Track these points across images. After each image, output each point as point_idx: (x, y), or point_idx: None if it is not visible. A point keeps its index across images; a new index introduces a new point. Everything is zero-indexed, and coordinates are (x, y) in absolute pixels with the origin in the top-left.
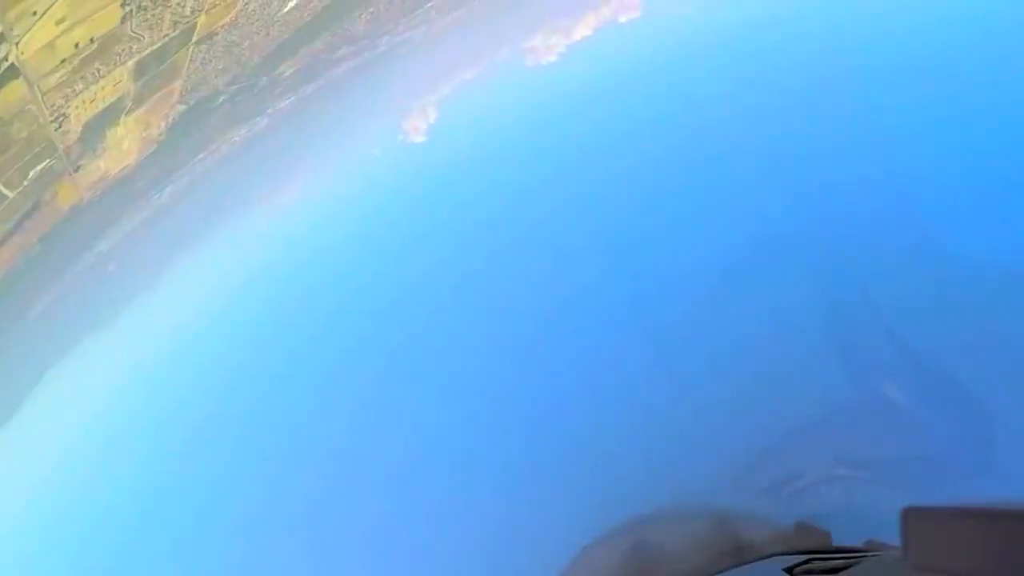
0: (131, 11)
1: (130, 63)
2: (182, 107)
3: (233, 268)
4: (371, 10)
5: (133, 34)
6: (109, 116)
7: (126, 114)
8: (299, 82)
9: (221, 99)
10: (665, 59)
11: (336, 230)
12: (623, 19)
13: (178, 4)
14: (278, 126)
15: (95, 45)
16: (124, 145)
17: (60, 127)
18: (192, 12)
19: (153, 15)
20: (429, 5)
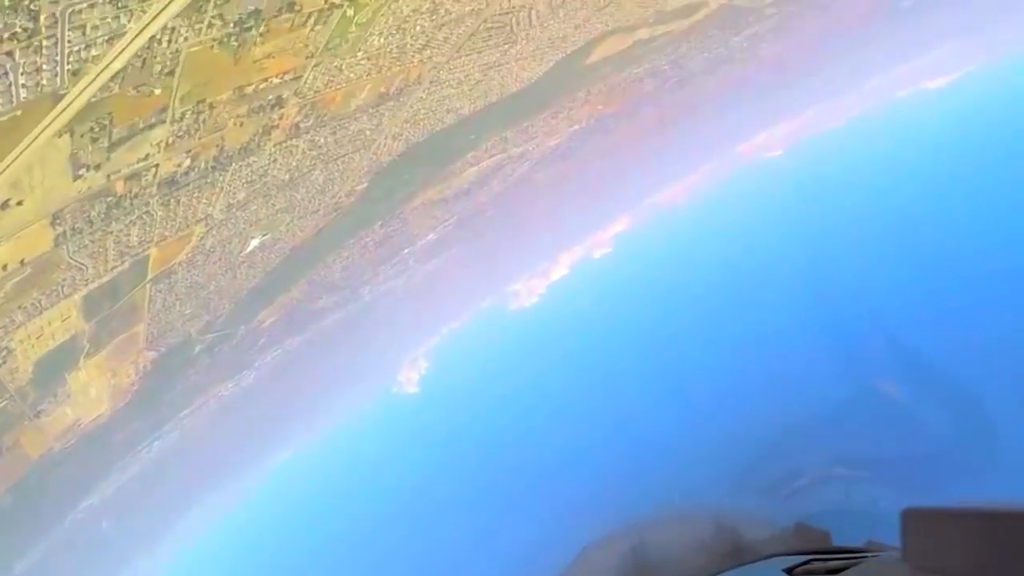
0: (64, 232)
1: (76, 297)
2: (152, 354)
3: (231, 531)
4: (345, 255)
5: (73, 261)
6: (64, 357)
7: (85, 357)
8: (283, 333)
9: (197, 348)
10: (638, 287)
11: (335, 486)
12: (597, 255)
13: (120, 232)
14: (267, 380)
15: (28, 269)
16: (91, 392)
17: (5, 363)
18: (140, 243)
19: (92, 240)
20: (405, 252)
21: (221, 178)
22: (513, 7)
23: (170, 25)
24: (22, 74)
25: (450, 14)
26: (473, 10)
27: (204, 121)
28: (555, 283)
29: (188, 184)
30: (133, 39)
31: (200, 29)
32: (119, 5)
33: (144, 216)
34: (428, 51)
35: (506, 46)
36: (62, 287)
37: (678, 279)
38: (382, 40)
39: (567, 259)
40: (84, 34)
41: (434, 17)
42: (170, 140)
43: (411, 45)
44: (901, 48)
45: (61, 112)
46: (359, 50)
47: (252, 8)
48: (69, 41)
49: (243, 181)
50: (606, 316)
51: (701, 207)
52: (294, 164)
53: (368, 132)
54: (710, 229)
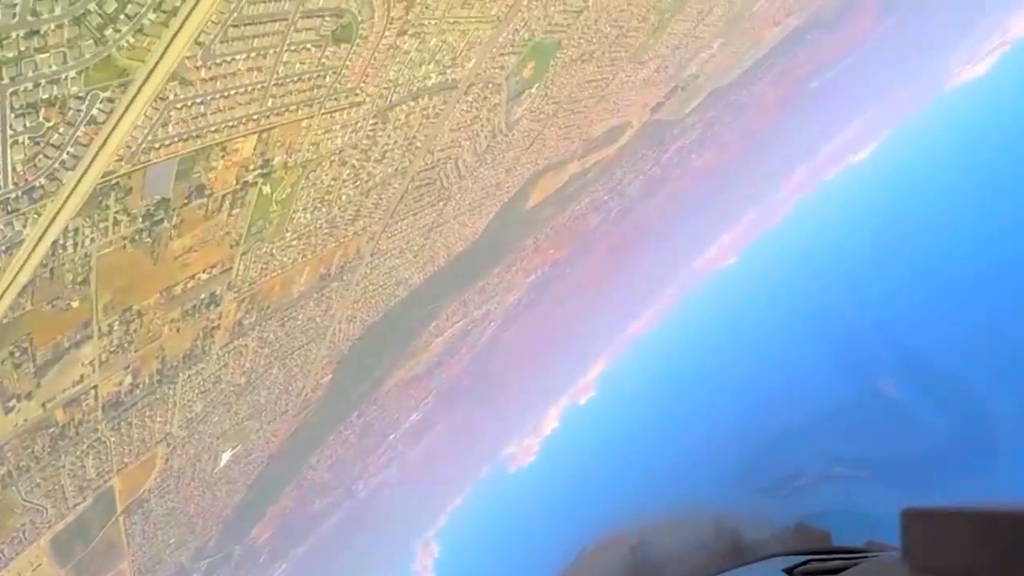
0: (9, 472)
1: (42, 542)
2: None
3: None
4: (328, 453)
5: (28, 503)
6: None
7: None
8: (284, 545)
9: None
10: (630, 419)
11: None
12: (583, 400)
13: (73, 465)
14: None
15: None
16: None
17: None
18: (99, 474)
19: (43, 478)
20: (391, 438)
21: (171, 392)
22: (437, 160)
23: (71, 227)
24: None
25: (373, 177)
26: (397, 170)
27: (136, 331)
28: (548, 437)
29: (136, 403)
30: (34, 246)
31: (106, 228)
32: (9, 209)
33: (95, 444)
34: (361, 221)
35: (441, 203)
36: (23, 533)
37: (669, 397)
38: (308, 215)
39: (555, 412)
40: None
41: (357, 183)
42: (103, 357)
43: (341, 217)
44: (819, 130)
45: None
46: (286, 230)
47: (158, 197)
48: None
49: (196, 392)
50: (609, 453)
51: (673, 328)
52: (247, 365)
53: (319, 319)
54: (688, 345)
